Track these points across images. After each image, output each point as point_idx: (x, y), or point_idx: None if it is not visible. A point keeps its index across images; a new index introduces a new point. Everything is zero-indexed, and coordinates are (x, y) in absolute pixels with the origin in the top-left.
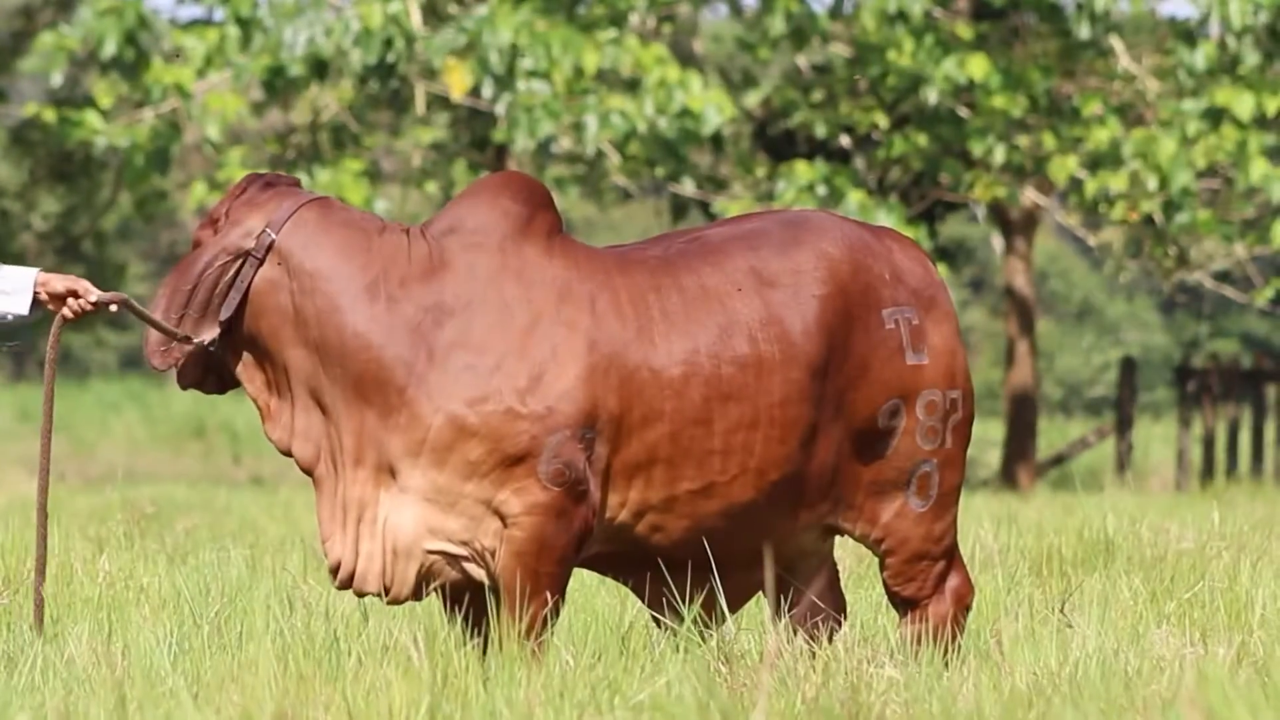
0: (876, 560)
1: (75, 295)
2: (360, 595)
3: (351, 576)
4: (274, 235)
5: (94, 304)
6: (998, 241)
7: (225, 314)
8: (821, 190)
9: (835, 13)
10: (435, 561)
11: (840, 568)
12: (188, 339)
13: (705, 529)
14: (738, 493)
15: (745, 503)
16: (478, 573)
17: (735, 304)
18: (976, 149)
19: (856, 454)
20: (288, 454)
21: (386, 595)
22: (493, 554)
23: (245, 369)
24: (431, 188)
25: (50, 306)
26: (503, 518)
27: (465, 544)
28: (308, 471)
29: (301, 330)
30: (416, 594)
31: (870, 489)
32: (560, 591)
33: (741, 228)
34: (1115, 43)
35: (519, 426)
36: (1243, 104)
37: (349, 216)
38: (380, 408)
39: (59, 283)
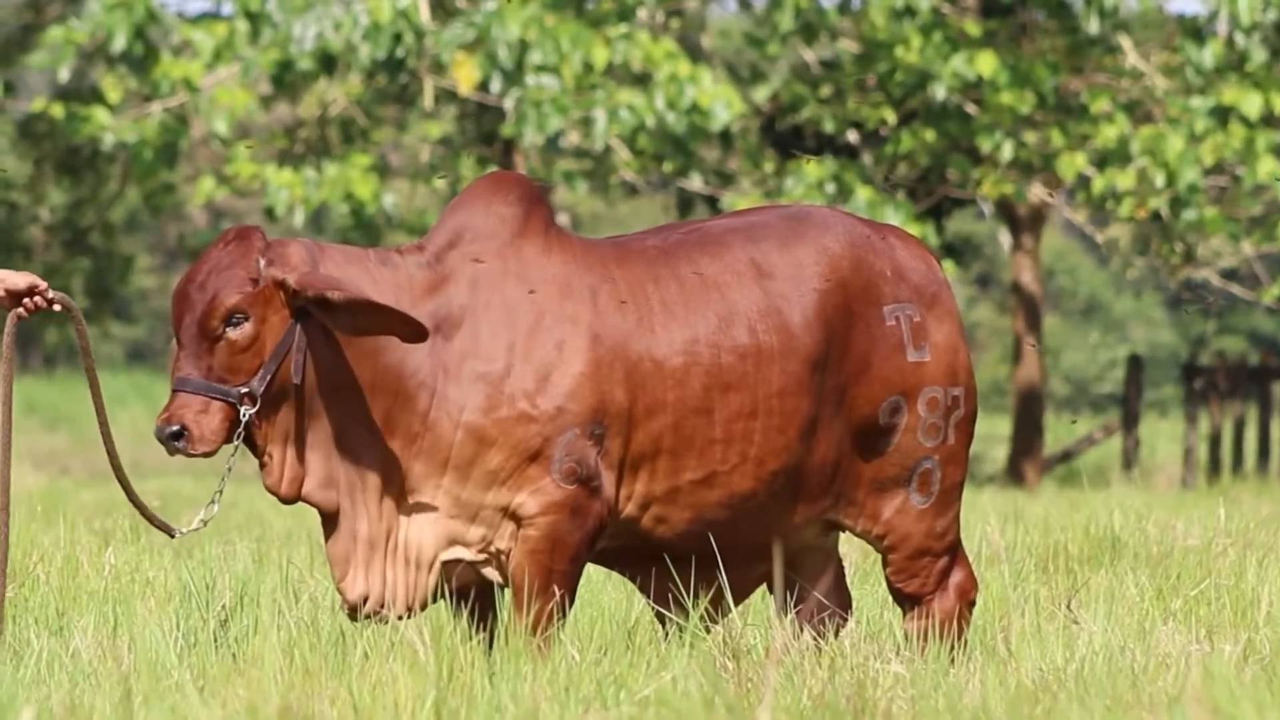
0: (880, 557)
1: (34, 290)
2: (384, 621)
3: (379, 605)
4: None
5: (49, 300)
6: (1005, 238)
7: (297, 377)
8: (830, 188)
9: (844, 9)
10: (453, 569)
11: (846, 564)
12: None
13: (707, 520)
14: (738, 482)
15: (746, 492)
16: (494, 575)
17: (734, 294)
18: (984, 145)
19: (858, 450)
20: (290, 502)
21: (409, 613)
22: (508, 555)
23: (268, 423)
24: (439, 182)
25: (6, 305)
26: (518, 519)
27: (483, 550)
28: (327, 516)
29: (340, 376)
30: (433, 599)
31: (872, 485)
32: (571, 589)
33: (743, 220)
34: (1123, 40)
35: (532, 429)
36: (1250, 102)
37: (346, 254)
38: (404, 436)
39: (19, 279)
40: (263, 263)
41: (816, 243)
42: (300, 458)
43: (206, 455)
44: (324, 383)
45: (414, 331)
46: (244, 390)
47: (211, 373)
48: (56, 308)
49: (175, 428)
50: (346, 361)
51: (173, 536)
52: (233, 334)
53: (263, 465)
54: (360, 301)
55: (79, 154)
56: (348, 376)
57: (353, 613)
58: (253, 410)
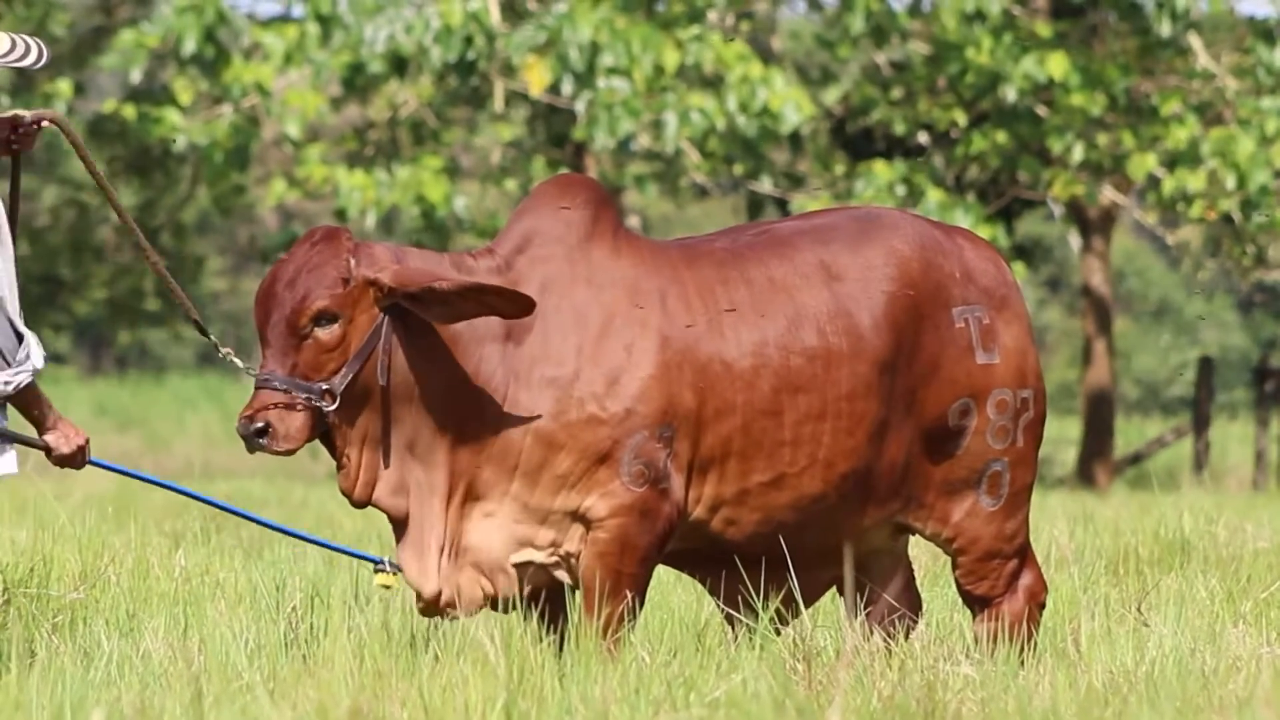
0: (949, 559)
1: (15, 125)
2: (452, 619)
3: (450, 604)
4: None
5: (34, 124)
6: (1075, 240)
7: (382, 379)
8: (900, 190)
9: (914, 11)
10: (525, 572)
11: (915, 566)
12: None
13: (776, 522)
14: (807, 484)
15: (815, 495)
16: (563, 577)
17: (803, 296)
18: (1055, 147)
19: (927, 452)
20: (361, 505)
21: (474, 612)
22: (577, 557)
23: (348, 423)
24: (510, 185)
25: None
26: (588, 522)
27: (552, 552)
28: (397, 522)
29: (416, 381)
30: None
31: (941, 488)
32: (640, 591)
33: (812, 222)
34: (1194, 41)
35: (601, 432)
36: None
37: (424, 257)
38: (474, 442)
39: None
40: (353, 262)
41: (885, 244)
42: (376, 461)
43: (288, 454)
44: (400, 388)
45: (520, 306)
46: (324, 387)
47: (296, 370)
48: (46, 124)
49: (259, 425)
50: (422, 367)
51: (205, 336)
52: (321, 333)
53: (340, 467)
54: (469, 286)
55: (149, 155)
56: (423, 382)
57: (428, 610)
58: (332, 407)
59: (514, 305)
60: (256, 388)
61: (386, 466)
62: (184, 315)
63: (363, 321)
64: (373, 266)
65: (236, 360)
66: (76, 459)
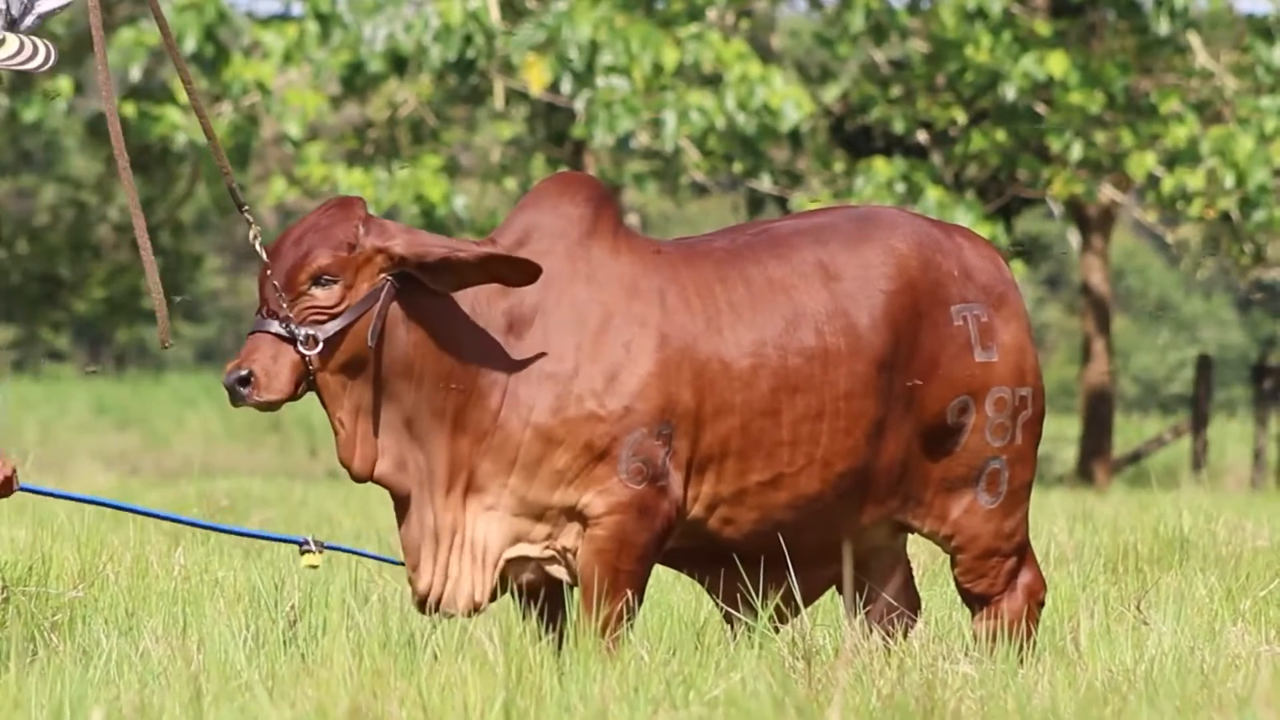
0: (948, 557)
1: None
2: (446, 616)
3: (439, 600)
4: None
5: None
6: (1074, 238)
7: (372, 340)
8: (900, 188)
9: (914, 9)
10: (521, 568)
11: (914, 565)
12: (315, 339)
13: (774, 521)
14: (805, 483)
15: (812, 494)
16: (559, 573)
17: (801, 296)
18: (1054, 145)
19: (926, 450)
20: (362, 479)
21: (475, 610)
22: (574, 553)
23: (339, 387)
24: (510, 183)
25: None
26: (585, 519)
27: (549, 547)
28: (398, 497)
29: (419, 363)
30: (495, 596)
31: (940, 486)
32: (639, 590)
33: (810, 221)
34: (1193, 39)
35: (599, 429)
36: None
37: (432, 238)
38: (475, 433)
39: None
40: (361, 230)
41: (884, 243)
42: (373, 435)
43: (271, 406)
44: (398, 364)
45: (526, 273)
46: (310, 331)
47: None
48: None
49: (243, 373)
50: (426, 350)
51: (240, 209)
52: (319, 292)
53: (336, 434)
54: (484, 255)
55: (149, 153)
56: (427, 365)
57: (420, 605)
58: (313, 352)
59: (521, 273)
60: (247, 336)
61: (387, 442)
62: (235, 205)
63: (364, 290)
64: (382, 237)
65: (259, 243)
66: (4, 490)
